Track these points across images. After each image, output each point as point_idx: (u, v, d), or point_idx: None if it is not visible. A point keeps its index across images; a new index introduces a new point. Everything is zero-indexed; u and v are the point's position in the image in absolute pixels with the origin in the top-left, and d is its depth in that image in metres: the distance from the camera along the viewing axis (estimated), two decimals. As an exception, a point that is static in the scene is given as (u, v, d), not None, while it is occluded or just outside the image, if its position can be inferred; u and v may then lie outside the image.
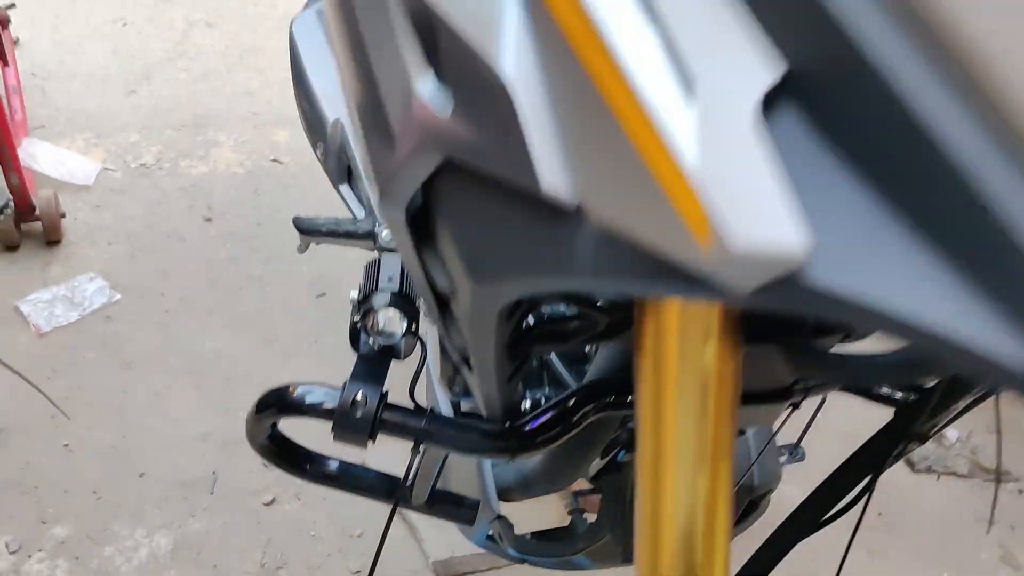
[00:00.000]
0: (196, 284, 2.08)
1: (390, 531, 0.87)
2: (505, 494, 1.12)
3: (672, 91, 0.35)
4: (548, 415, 0.77)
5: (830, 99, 0.34)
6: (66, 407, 1.78)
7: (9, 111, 2.35)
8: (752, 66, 0.35)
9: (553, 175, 0.41)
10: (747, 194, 0.34)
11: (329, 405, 0.79)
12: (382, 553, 0.88)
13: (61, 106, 2.53)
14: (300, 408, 0.81)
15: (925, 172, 0.33)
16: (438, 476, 0.92)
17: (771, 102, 0.35)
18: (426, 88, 0.47)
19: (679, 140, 0.35)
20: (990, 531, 1.81)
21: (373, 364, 0.84)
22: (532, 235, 0.45)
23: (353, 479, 0.92)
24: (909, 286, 0.33)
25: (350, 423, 0.78)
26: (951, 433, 1.97)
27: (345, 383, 0.80)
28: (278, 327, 2.00)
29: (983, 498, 1.88)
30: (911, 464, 1.92)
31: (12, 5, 2.35)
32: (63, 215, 2.13)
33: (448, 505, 0.97)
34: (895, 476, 1.90)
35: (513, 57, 0.41)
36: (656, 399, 0.57)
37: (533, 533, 1.15)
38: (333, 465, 0.92)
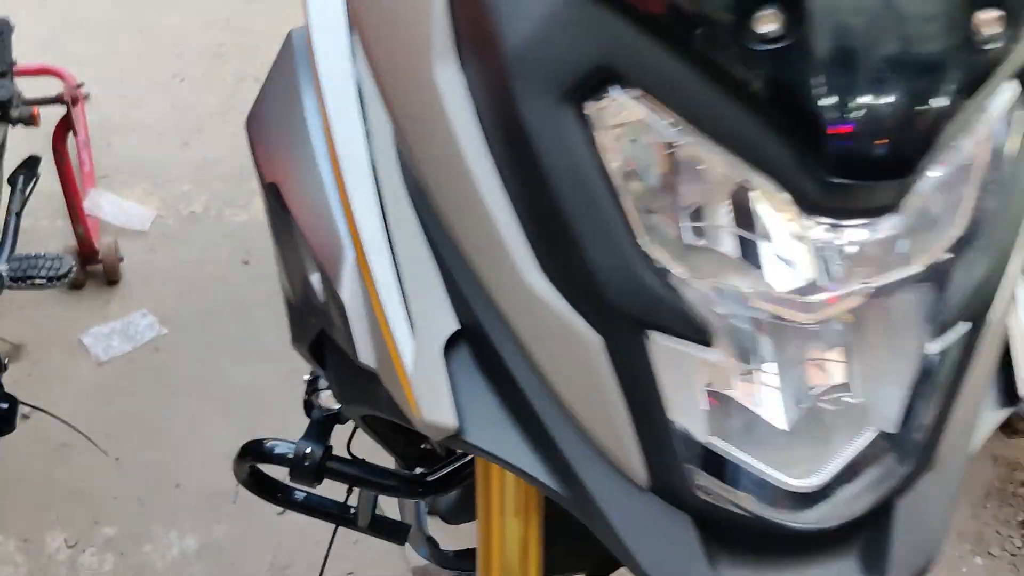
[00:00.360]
0: (232, 320, 2.42)
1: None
2: (448, 518, 1.43)
3: (405, 331, 0.65)
4: (445, 470, 1.08)
5: (478, 347, 0.64)
6: (119, 429, 2.14)
7: (79, 163, 2.73)
8: (443, 319, 0.65)
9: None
10: (433, 392, 0.64)
11: (288, 456, 1.11)
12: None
13: (124, 157, 2.90)
14: (268, 457, 1.13)
15: (511, 388, 0.63)
16: (374, 506, 1.23)
17: (458, 338, 0.65)
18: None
19: (405, 358, 0.65)
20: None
21: (321, 426, 1.15)
22: (363, 383, 0.76)
23: (312, 506, 1.23)
24: (502, 439, 0.63)
25: (302, 471, 1.09)
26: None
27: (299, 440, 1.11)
28: (299, 360, 2.32)
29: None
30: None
31: (82, 84, 2.72)
32: (122, 259, 2.49)
33: (385, 528, 1.28)
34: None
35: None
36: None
37: (454, 551, 1.45)
38: (298, 495, 1.23)
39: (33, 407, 1.74)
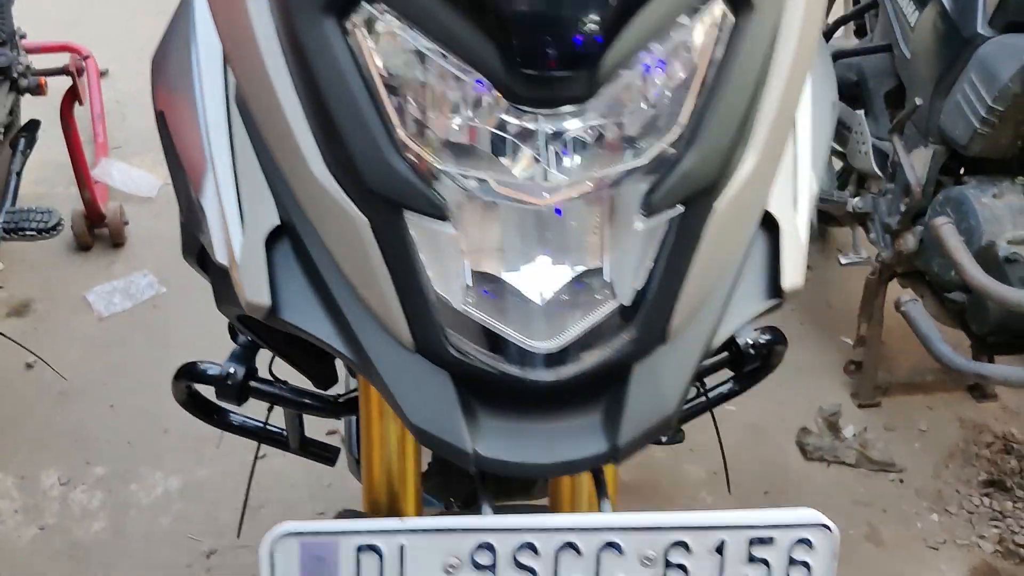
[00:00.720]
0: (228, 281, 2.54)
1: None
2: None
3: (237, 226, 0.75)
4: (350, 394, 1.18)
5: (295, 239, 0.74)
6: (115, 378, 2.28)
7: (93, 135, 2.88)
8: (266, 214, 0.74)
9: None
10: (254, 276, 0.74)
11: (215, 375, 1.22)
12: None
13: (137, 129, 3.05)
14: (199, 377, 1.24)
15: (316, 271, 0.72)
16: (301, 429, 1.34)
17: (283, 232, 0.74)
18: None
19: (236, 249, 0.75)
20: (863, 512, 2.12)
21: (245, 350, 1.25)
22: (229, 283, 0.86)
23: (246, 429, 1.34)
24: (309, 316, 0.73)
25: (226, 389, 1.20)
26: (848, 429, 2.28)
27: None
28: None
29: (865, 485, 2.18)
30: (804, 450, 2.23)
31: (88, 56, 2.86)
32: (126, 223, 2.63)
33: (315, 450, 1.38)
34: (788, 460, 2.22)
35: None
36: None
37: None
38: (234, 418, 1.34)
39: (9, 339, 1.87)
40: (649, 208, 0.65)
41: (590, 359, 0.67)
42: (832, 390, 2.39)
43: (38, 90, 2.33)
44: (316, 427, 1.43)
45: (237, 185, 0.77)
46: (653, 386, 0.68)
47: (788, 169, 0.77)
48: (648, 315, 0.67)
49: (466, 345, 0.67)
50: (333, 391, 1.24)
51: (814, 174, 0.83)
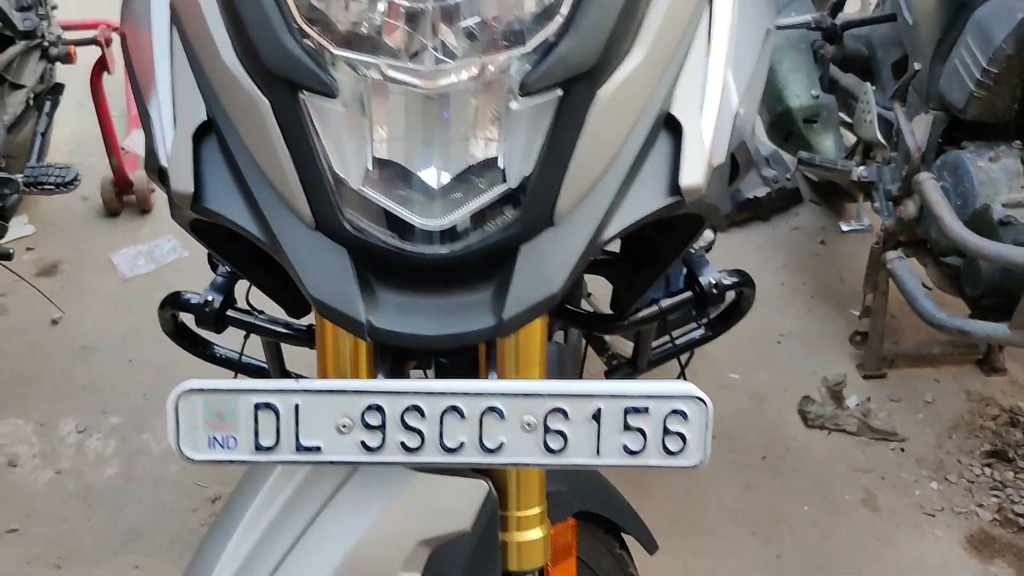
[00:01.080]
0: (248, 247, 2.63)
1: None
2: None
3: (170, 124, 0.80)
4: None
5: (219, 133, 0.79)
6: (135, 335, 2.37)
7: (126, 108, 2.99)
8: (194, 111, 0.80)
9: None
10: (180, 168, 0.79)
11: (195, 304, 1.28)
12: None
13: (169, 104, 3.15)
14: (181, 305, 1.30)
15: (234, 161, 0.77)
16: (280, 359, 1.39)
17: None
18: None
19: (168, 145, 0.80)
20: (861, 479, 2.12)
21: (224, 280, 1.31)
22: None
23: (226, 359, 1.40)
24: (229, 204, 0.78)
25: (204, 317, 1.26)
26: (851, 399, 2.28)
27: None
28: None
29: (865, 453, 2.19)
30: (805, 418, 2.24)
31: (117, 29, 2.97)
32: (153, 191, 2.72)
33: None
34: (788, 428, 2.24)
35: None
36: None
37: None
38: (218, 350, 1.40)
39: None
40: (525, 88, 0.69)
41: (479, 237, 0.71)
42: (838, 362, 2.40)
43: (67, 58, 2.44)
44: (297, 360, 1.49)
45: (173, 89, 0.82)
46: (539, 266, 0.72)
47: (696, 75, 0.81)
48: (533, 197, 0.71)
49: (363, 223, 0.72)
50: (306, 321, 1.30)
51: (742, 103, 0.86)
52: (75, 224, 2.70)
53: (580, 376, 1.56)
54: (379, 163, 0.72)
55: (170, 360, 2.29)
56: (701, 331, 1.37)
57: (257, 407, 0.73)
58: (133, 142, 2.86)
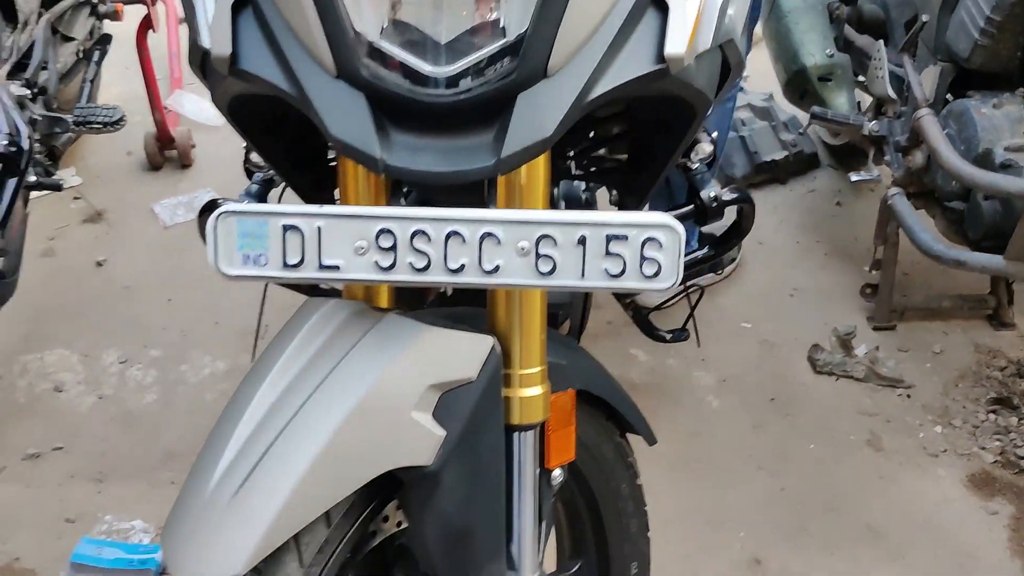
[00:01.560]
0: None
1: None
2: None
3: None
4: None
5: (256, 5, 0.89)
6: (175, 277, 2.49)
7: (169, 70, 3.12)
8: None
9: None
10: (219, 35, 0.89)
11: None
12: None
13: (210, 68, 3.28)
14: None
15: (269, 28, 0.88)
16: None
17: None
18: None
19: (209, 14, 0.90)
20: (866, 421, 2.19)
21: (259, 187, 1.42)
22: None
23: None
24: (263, 65, 0.88)
25: None
26: (860, 348, 2.35)
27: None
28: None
29: (871, 398, 2.26)
30: (814, 365, 2.31)
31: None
32: (193, 146, 2.85)
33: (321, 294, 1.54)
34: (797, 373, 2.31)
35: None
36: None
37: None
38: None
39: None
40: None
41: (480, 83, 0.81)
42: (850, 315, 2.46)
43: (115, 15, 2.57)
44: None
45: None
46: (534, 113, 0.82)
47: None
48: (529, 50, 0.81)
49: (379, 71, 0.82)
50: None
51: (731, 2, 0.95)
52: (120, 176, 2.84)
53: (588, 301, 1.64)
54: (394, 23, 0.82)
55: (208, 300, 2.43)
56: (704, 250, 1.46)
57: (285, 228, 0.82)
58: (176, 102, 2.99)
